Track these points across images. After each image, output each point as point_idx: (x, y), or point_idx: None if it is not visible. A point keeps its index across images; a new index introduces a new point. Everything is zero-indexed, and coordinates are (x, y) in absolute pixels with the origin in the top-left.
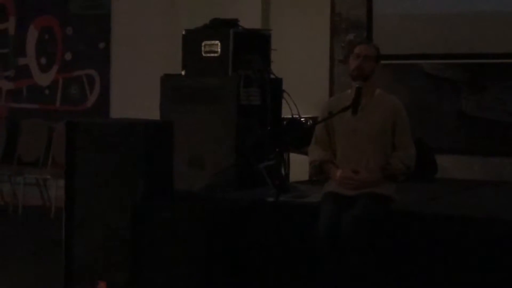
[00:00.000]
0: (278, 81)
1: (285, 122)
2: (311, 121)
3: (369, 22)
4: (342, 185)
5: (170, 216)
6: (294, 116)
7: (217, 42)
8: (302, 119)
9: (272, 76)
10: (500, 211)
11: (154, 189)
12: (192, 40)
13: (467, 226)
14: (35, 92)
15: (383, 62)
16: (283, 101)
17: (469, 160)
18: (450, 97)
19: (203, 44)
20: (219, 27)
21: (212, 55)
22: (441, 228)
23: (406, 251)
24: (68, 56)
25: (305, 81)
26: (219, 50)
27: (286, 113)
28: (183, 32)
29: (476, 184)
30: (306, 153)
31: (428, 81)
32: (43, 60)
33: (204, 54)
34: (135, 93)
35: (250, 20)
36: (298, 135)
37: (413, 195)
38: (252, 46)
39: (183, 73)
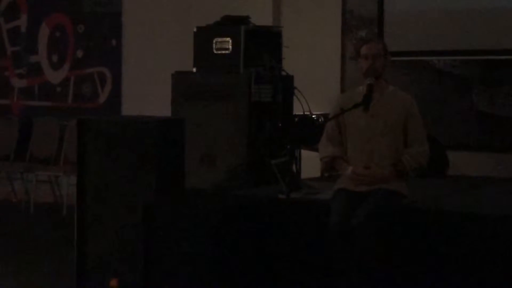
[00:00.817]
0: (290, 78)
1: (296, 119)
2: (322, 118)
3: (380, 19)
4: (353, 182)
5: (181, 213)
6: (305, 113)
7: (228, 39)
8: (313, 116)
9: (283, 73)
10: None
11: (165, 186)
12: (203, 37)
13: (479, 223)
14: (47, 89)
15: (394, 58)
16: (294, 98)
17: (481, 156)
18: (462, 94)
19: (214, 41)
20: (230, 24)
21: (223, 52)
22: (452, 225)
23: (417, 248)
24: (79, 53)
25: (316, 78)
26: (230, 47)
27: (297, 110)
28: (194, 29)
29: (488, 181)
30: (317, 150)
31: (440, 78)
32: (54, 58)
33: (215, 51)
34: (146, 91)
35: (261, 17)
36: (309, 131)
37: (424, 192)
38: (263, 43)
39: (194, 70)
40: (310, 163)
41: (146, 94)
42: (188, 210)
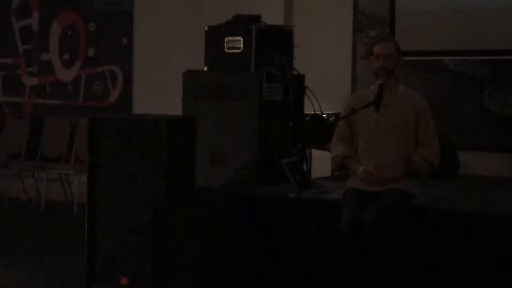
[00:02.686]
0: (301, 78)
1: (307, 118)
2: (333, 118)
3: (392, 18)
4: (364, 181)
5: (191, 212)
6: (316, 112)
7: (239, 38)
8: (324, 115)
9: (294, 72)
10: None
11: (176, 185)
12: (214, 36)
13: (490, 223)
14: (58, 88)
15: (406, 58)
16: (305, 97)
17: (491, 156)
18: (473, 94)
19: (225, 40)
20: (241, 23)
21: (234, 51)
22: (463, 225)
23: (428, 248)
24: (91, 52)
25: (327, 78)
26: (241, 46)
27: (308, 109)
28: (206, 28)
29: (499, 181)
30: (328, 149)
31: (451, 78)
32: (66, 56)
33: (226, 50)
34: (157, 89)
35: (272, 16)
36: (320, 131)
37: (435, 192)
38: (275, 42)
39: (205, 69)
40: (320, 163)
41: (157, 92)
42: (198, 209)
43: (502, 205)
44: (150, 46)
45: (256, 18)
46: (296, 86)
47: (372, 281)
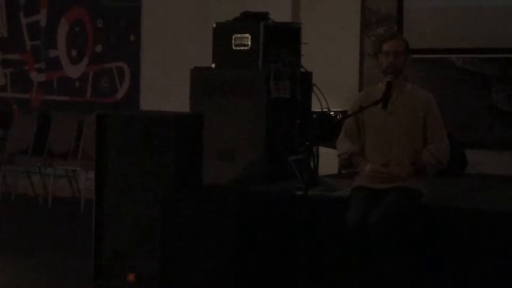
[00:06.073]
0: (308, 75)
1: (314, 116)
2: (340, 115)
3: (400, 16)
4: (371, 179)
5: (199, 209)
6: (323, 109)
7: (247, 35)
8: (331, 113)
9: (302, 69)
10: None
11: (183, 181)
12: (222, 33)
13: (497, 222)
14: (65, 84)
15: (413, 56)
16: (313, 95)
17: (499, 155)
18: (481, 92)
19: (233, 37)
20: (249, 20)
21: (242, 48)
22: (469, 223)
23: (435, 246)
24: (98, 48)
25: (335, 75)
26: (249, 43)
27: (315, 107)
28: (214, 25)
29: (507, 179)
30: (335, 147)
31: (459, 75)
32: (73, 52)
33: (234, 47)
34: (165, 86)
35: (280, 14)
36: (328, 128)
37: (442, 190)
38: (283, 39)
39: (213, 66)
40: (327, 160)
41: (165, 89)
42: (206, 205)
43: (510, 204)
44: (157, 43)
45: (264, 15)
46: (304, 83)
47: (379, 279)
